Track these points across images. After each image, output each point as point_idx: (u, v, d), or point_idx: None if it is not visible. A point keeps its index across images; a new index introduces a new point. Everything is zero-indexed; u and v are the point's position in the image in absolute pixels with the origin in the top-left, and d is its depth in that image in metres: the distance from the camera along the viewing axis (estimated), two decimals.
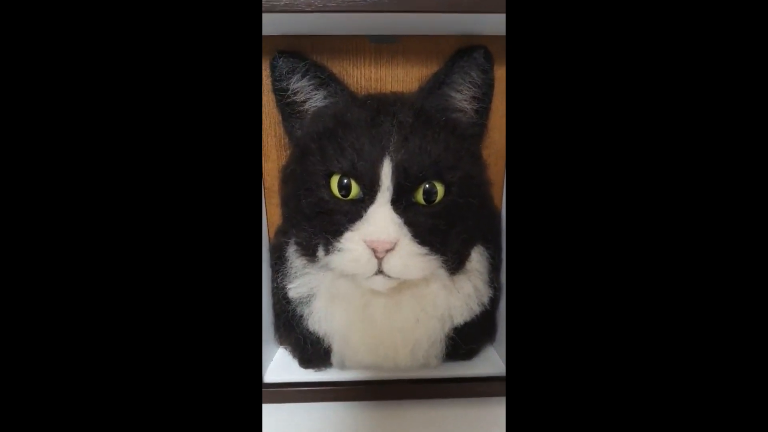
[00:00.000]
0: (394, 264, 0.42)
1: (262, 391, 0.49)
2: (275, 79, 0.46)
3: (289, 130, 0.48)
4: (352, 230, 0.42)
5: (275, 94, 0.47)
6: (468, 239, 0.47)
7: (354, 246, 0.42)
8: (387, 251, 0.42)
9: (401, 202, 0.42)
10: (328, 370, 0.53)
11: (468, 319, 0.51)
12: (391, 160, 0.41)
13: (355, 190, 0.43)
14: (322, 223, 0.44)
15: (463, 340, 0.51)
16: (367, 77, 0.48)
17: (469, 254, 0.49)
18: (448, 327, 0.50)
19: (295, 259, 0.49)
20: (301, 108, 0.47)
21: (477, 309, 0.51)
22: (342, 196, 0.43)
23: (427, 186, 0.43)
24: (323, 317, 0.50)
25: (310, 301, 0.50)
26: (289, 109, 0.47)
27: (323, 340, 0.51)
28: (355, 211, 0.42)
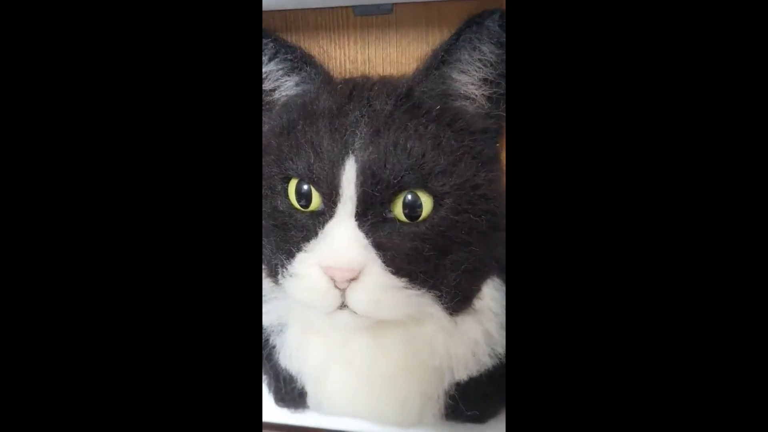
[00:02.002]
0: (359, 298, 0.32)
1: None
2: None
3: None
4: (306, 251, 0.33)
5: None
6: (473, 270, 0.35)
7: (308, 271, 0.33)
8: (350, 280, 0.32)
9: (369, 217, 0.32)
10: (305, 411, 0.44)
11: (474, 373, 0.39)
12: (356, 160, 0.31)
13: (316, 199, 0.34)
14: (278, 240, 0.35)
15: (467, 402, 0.39)
16: (353, 59, 0.38)
17: (477, 289, 0.37)
18: (448, 382, 0.39)
19: (264, 279, 0.41)
20: (269, 98, 0.38)
21: (488, 361, 0.39)
22: (302, 206, 0.34)
23: (408, 197, 0.32)
24: (295, 353, 0.41)
25: (281, 330, 0.42)
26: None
27: (296, 379, 0.42)
28: (312, 226, 0.33)
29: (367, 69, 0.38)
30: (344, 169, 0.32)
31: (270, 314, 0.41)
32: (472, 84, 0.35)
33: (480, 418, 0.41)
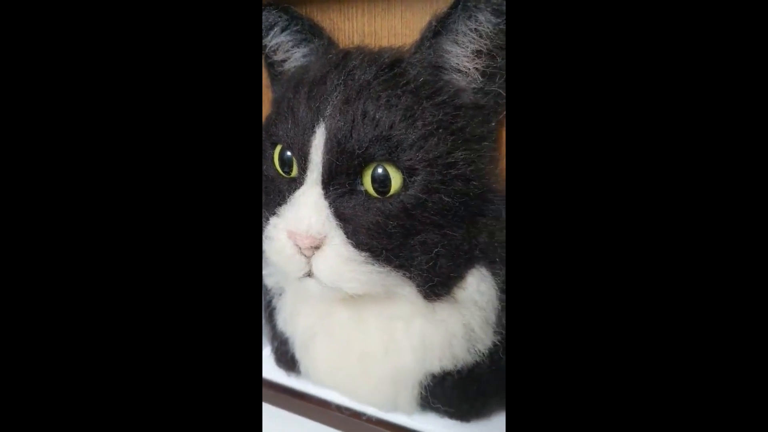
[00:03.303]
0: (321, 267, 0.33)
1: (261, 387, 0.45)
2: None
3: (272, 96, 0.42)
4: (277, 215, 0.34)
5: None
6: (448, 255, 0.33)
7: (277, 235, 0.34)
8: (313, 248, 0.32)
9: (334, 186, 0.32)
10: (298, 377, 0.45)
11: (450, 367, 0.36)
12: (326, 128, 0.31)
13: (296, 166, 0.34)
14: (265, 204, 0.36)
15: (441, 397, 0.37)
16: (360, 31, 0.38)
17: (458, 277, 0.35)
18: (423, 371, 0.37)
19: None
20: (281, 69, 0.40)
21: (467, 357, 0.36)
22: (285, 173, 0.35)
23: (379, 170, 0.31)
24: (288, 318, 0.43)
25: (280, 295, 0.44)
26: (272, 70, 0.41)
27: (290, 343, 0.44)
28: (287, 191, 0.34)
29: (373, 41, 0.38)
30: (315, 137, 0.32)
31: (271, 277, 0.43)
32: (465, 56, 0.32)
33: (456, 416, 0.38)
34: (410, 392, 0.38)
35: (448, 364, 0.36)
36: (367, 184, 0.32)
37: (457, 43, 0.32)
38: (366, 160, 0.31)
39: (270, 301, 0.45)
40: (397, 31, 0.37)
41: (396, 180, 0.31)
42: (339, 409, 0.41)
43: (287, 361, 0.45)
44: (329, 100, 0.32)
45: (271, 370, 0.47)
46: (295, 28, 0.38)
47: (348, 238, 0.32)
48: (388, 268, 0.32)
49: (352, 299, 0.36)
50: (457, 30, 0.32)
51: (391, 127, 0.30)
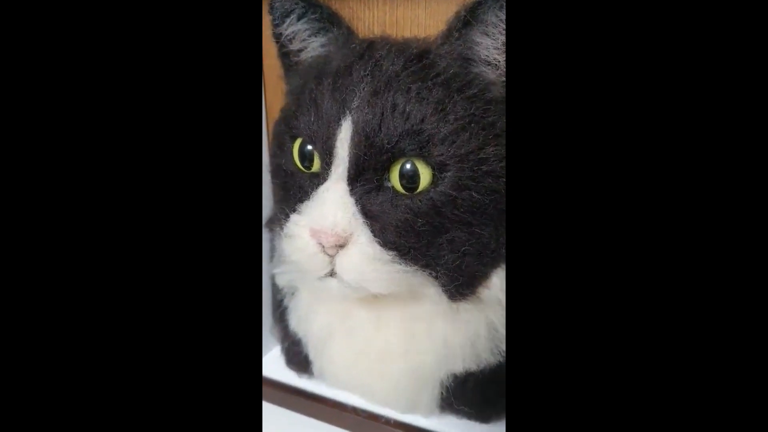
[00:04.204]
0: (346, 266, 0.31)
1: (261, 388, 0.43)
2: (273, 24, 0.38)
3: (287, 87, 0.40)
4: (299, 212, 0.32)
5: (275, 42, 0.39)
6: (476, 254, 0.32)
7: (298, 233, 0.32)
8: (337, 247, 0.31)
9: (361, 183, 0.31)
10: (311, 378, 0.44)
11: (473, 368, 0.36)
12: (353, 121, 0.30)
13: (317, 160, 0.33)
14: (280, 200, 0.35)
15: (460, 397, 0.36)
16: (381, 21, 0.37)
17: (483, 276, 0.34)
18: (444, 372, 0.36)
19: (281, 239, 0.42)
20: (297, 58, 0.38)
21: (491, 359, 0.36)
22: (305, 167, 0.34)
23: (407, 166, 0.30)
24: (303, 318, 0.41)
25: (294, 294, 0.42)
26: (287, 60, 0.39)
27: (303, 344, 0.42)
28: (309, 187, 0.33)
29: (395, 32, 0.36)
30: (340, 130, 0.30)
31: (285, 275, 0.42)
32: (496, 48, 0.31)
33: (477, 417, 0.38)
34: (431, 393, 0.37)
35: (471, 365, 0.35)
36: (395, 180, 0.30)
37: (487, 35, 0.31)
38: (395, 155, 0.30)
39: (281, 301, 0.43)
40: (420, 21, 0.35)
41: (425, 176, 0.30)
42: (355, 411, 0.40)
43: (300, 362, 0.44)
44: (356, 91, 0.30)
45: (281, 371, 0.46)
46: (312, 16, 0.37)
47: (375, 236, 0.30)
48: (415, 268, 0.31)
49: (373, 299, 0.35)
50: (487, 20, 0.31)
51: (422, 121, 0.29)
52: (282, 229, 0.34)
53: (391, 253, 0.31)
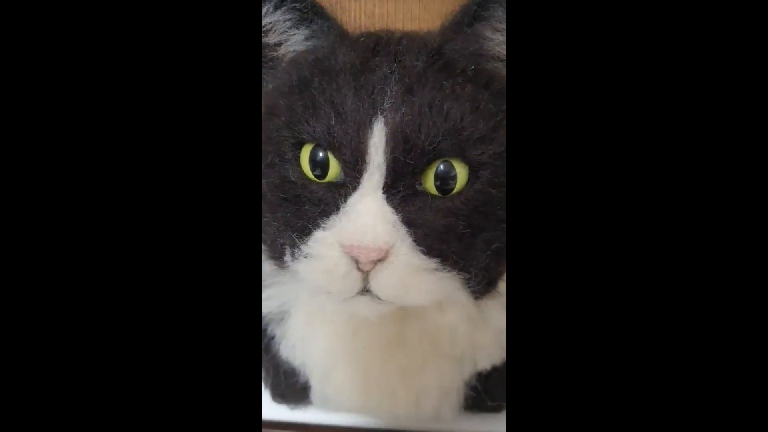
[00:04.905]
0: (386, 282, 0.28)
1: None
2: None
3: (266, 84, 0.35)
4: (324, 228, 0.28)
5: None
6: (502, 250, 0.32)
7: (327, 252, 0.28)
8: (375, 262, 0.28)
9: (399, 190, 0.28)
10: (306, 407, 0.40)
11: (499, 362, 0.36)
12: (386, 123, 0.27)
13: (334, 168, 0.29)
14: (287, 216, 0.30)
15: (491, 393, 0.36)
16: (369, 13, 0.34)
17: (504, 271, 0.34)
18: (469, 372, 0.36)
19: (264, 261, 0.36)
20: (274, 53, 0.33)
21: None
22: (316, 177, 0.30)
23: (441, 167, 0.28)
24: (299, 343, 0.37)
25: (283, 319, 0.37)
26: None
27: (299, 373, 0.38)
28: (331, 199, 0.29)
29: (385, 24, 0.34)
30: (372, 133, 0.27)
31: (271, 301, 0.37)
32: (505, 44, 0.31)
33: (500, 409, 0.38)
34: (455, 397, 0.36)
35: (497, 360, 0.36)
36: (429, 182, 0.29)
37: (498, 30, 0.31)
38: (435, 156, 0.28)
39: (265, 330, 0.38)
40: (414, 14, 0.34)
41: (462, 176, 0.29)
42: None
43: (293, 393, 0.39)
44: (385, 90, 0.27)
45: (269, 409, 0.40)
46: (292, 5, 0.32)
47: (418, 245, 0.28)
48: (454, 273, 0.30)
49: (389, 315, 0.33)
50: (496, 16, 0.31)
51: (461, 120, 0.28)
52: (295, 249, 0.30)
53: (434, 260, 0.29)
